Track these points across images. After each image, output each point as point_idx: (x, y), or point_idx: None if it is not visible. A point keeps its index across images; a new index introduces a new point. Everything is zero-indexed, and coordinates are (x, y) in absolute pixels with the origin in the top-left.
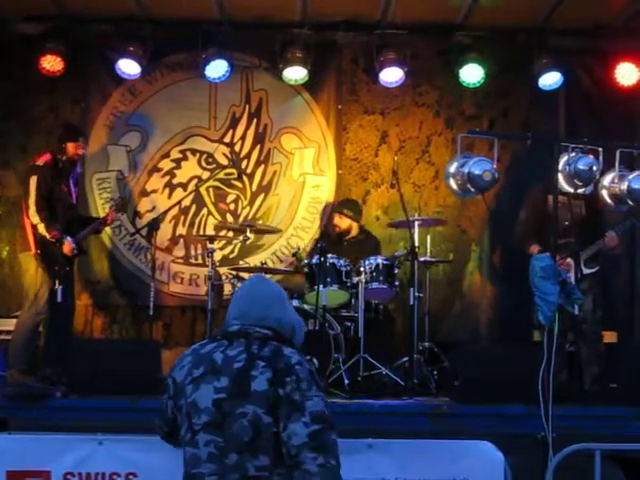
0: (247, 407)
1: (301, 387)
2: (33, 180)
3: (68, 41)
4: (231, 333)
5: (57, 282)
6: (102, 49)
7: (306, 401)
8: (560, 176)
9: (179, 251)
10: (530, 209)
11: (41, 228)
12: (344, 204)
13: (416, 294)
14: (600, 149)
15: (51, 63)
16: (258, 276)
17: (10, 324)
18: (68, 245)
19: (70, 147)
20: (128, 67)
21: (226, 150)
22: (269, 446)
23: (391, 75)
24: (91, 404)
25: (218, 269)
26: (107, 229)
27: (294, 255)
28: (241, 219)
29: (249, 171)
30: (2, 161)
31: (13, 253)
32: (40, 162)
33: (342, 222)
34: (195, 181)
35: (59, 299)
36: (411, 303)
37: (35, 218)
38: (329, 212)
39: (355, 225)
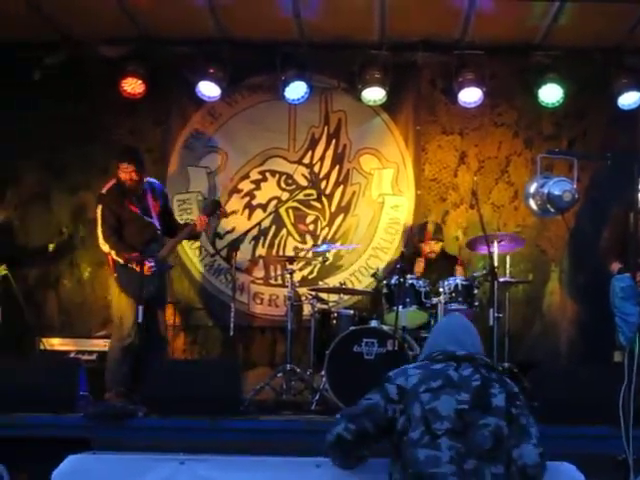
0: (489, 419)
1: (525, 412)
2: (99, 209)
3: (148, 63)
4: (458, 357)
5: (140, 303)
6: (182, 71)
7: (530, 427)
8: None
9: (259, 272)
10: (611, 228)
11: (113, 254)
12: (436, 230)
13: (496, 314)
14: None
15: (132, 86)
16: (457, 314)
17: (91, 344)
18: (144, 265)
19: (118, 172)
20: (209, 89)
21: (305, 171)
22: (505, 457)
23: (470, 95)
24: (172, 424)
25: (297, 290)
26: (187, 250)
27: (373, 276)
28: (320, 240)
29: (328, 192)
30: (84, 183)
31: (94, 274)
32: (104, 190)
33: (437, 246)
34: (275, 202)
35: (139, 319)
36: (491, 324)
37: (105, 246)
38: (412, 238)
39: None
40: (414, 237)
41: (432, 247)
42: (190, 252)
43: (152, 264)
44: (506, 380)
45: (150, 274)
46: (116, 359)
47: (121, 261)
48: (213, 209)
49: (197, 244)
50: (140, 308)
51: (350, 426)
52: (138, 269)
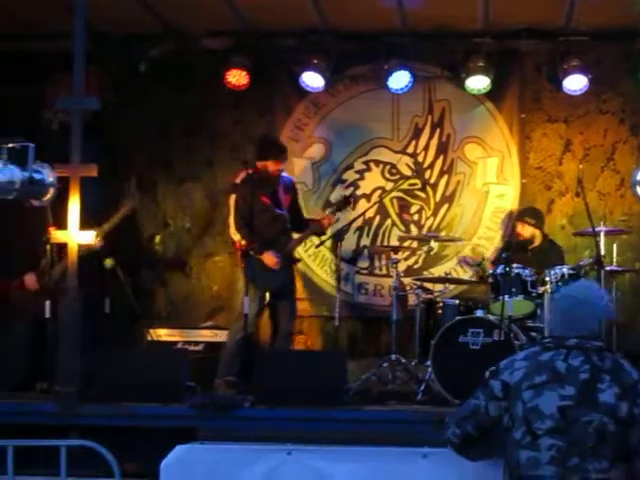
0: (593, 415)
1: None
2: (232, 199)
3: (252, 55)
4: (568, 345)
5: (267, 295)
6: (286, 62)
7: None
8: None
9: (363, 262)
10: None
11: (244, 244)
12: (525, 212)
13: None
14: None
15: (236, 77)
16: (584, 284)
17: (198, 335)
18: (270, 258)
19: (270, 164)
20: (312, 80)
21: (409, 161)
22: (609, 452)
23: (575, 82)
24: (279, 414)
25: (402, 280)
26: None
27: (478, 265)
28: (425, 230)
29: (432, 181)
30: (190, 174)
31: (201, 265)
32: (238, 180)
33: (524, 230)
34: (379, 192)
35: (245, 310)
36: None
37: (236, 236)
38: (511, 221)
39: (538, 233)
40: (513, 220)
41: (518, 229)
42: None
43: (278, 259)
44: (623, 368)
45: (277, 267)
46: (232, 349)
47: (251, 252)
48: (342, 206)
49: None
50: (257, 300)
51: (456, 430)
52: (267, 261)
